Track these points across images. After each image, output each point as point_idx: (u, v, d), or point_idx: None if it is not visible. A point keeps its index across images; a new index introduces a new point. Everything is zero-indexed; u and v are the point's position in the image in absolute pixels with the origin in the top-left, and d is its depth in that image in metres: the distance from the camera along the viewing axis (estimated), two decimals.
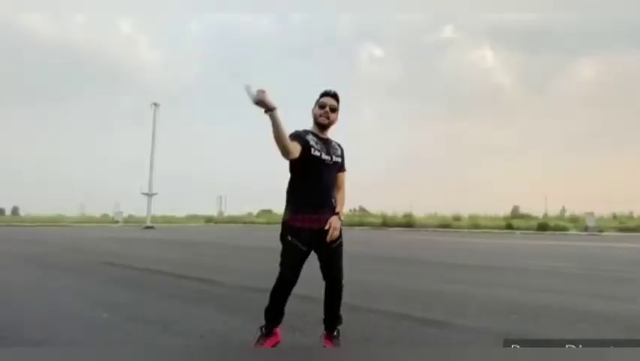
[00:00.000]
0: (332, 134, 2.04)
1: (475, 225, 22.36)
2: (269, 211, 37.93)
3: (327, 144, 1.95)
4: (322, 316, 2.00)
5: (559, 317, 2.74)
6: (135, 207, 33.07)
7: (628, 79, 50.54)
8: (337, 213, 1.93)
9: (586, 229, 18.93)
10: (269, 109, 1.60)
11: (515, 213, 27.07)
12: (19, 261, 5.82)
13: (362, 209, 31.93)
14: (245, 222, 32.59)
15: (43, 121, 58.28)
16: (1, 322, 2.45)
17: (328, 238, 1.83)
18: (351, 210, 31.33)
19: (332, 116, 1.93)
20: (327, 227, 1.84)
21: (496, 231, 19.96)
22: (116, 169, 50.46)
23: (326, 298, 1.95)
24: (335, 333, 1.95)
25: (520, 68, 57.10)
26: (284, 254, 1.87)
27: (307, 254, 1.87)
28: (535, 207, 25.86)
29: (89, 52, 63.04)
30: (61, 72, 61.89)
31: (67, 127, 57.46)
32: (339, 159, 1.98)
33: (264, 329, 1.91)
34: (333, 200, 1.95)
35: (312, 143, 1.86)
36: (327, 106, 1.91)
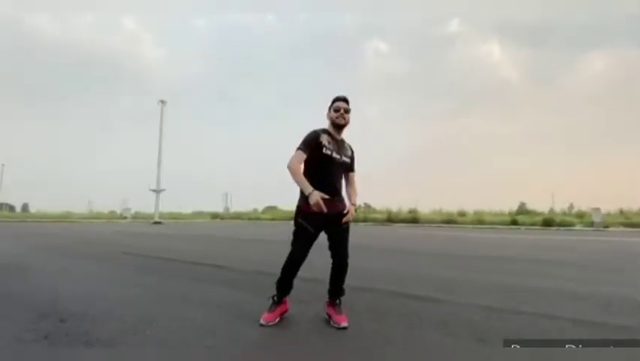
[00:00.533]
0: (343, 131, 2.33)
1: (480, 220, 22.45)
2: (274, 208, 38.35)
3: (339, 144, 2.26)
4: (324, 293, 2.30)
5: (540, 295, 3.00)
6: (142, 203, 33.74)
7: (637, 74, 49.74)
8: (353, 205, 2.29)
9: (592, 224, 18.92)
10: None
11: (521, 209, 26.98)
12: (43, 252, 6.21)
13: (367, 205, 32.14)
14: (250, 218, 33.01)
15: (51, 119, 59.36)
16: (53, 298, 2.79)
17: (343, 220, 2.17)
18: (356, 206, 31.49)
19: (347, 117, 2.24)
20: (345, 211, 2.20)
21: (501, 226, 20.05)
22: (123, 166, 51.25)
23: (333, 273, 2.25)
24: (337, 302, 2.24)
25: (527, 63, 56.53)
26: (295, 234, 2.18)
27: (316, 236, 2.17)
28: (542, 204, 25.76)
29: (94, 51, 63.83)
30: (69, 71, 62.83)
31: (74, 125, 58.45)
32: (348, 160, 2.28)
33: (275, 298, 2.23)
34: (340, 192, 2.26)
35: (324, 143, 2.16)
36: (342, 109, 2.21)
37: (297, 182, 2.11)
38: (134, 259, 5.22)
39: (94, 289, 3.10)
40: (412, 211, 25.15)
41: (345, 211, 2.20)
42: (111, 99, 62.21)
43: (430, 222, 23.23)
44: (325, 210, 2.03)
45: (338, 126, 2.24)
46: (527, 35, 54.94)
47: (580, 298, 2.94)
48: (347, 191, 2.35)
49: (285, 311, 2.27)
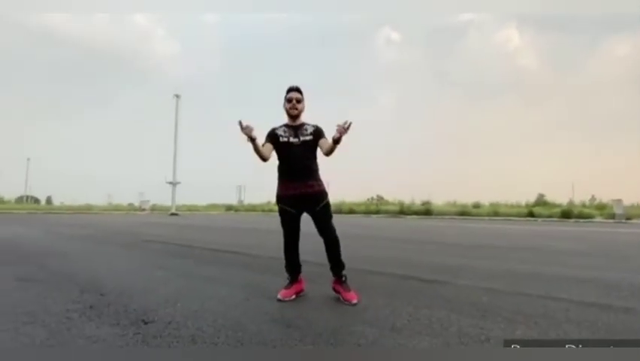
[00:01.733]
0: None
1: (496, 212, 22.16)
2: None
3: (297, 129, 2.42)
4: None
5: (546, 280, 3.09)
6: (159, 196, 34.72)
7: None
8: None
9: (613, 216, 18.40)
10: (250, 139, 2.22)
11: (540, 202, 26.38)
12: (74, 240, 6.64)
13: (379, 197, 32.12)
14: (264, 210, 33.53)
15: (70, 116, 61.37)
16: (91, 277, 3.09)
17: (336, 132, 2.15)
18: (368, 199, 31.61)
19: (298, 106, 2.42)
20: (316, 190, 2.37)
21: (517, 218, 19.77)
22: (140, 160, 52.69)
23: (327, 250, 2.42)
24: (343, 279, 2.41)
25: (547, 49, 54.44)
26: (280, 218, 2.44)
27: (297, 215, 2.39)
28: (562, 196, 25.01)
29: (108, 47, 65.14)
30: (84, 69, 64.46)
31: (92, 121, 60.17)
32: (308, 138, 2.39)
33: (288, 279, 2.45)
34: (310, 174, 2.40)
35: (280, 133, 2.40)
36: (294, 99, 2.40)
37: (256, 151, 2.31)
38: (157, 246, 5.54)
39: (125, 270, 3.39)
40: (425, 203, 25.01)
41: (313, 191, 2.36)
42: (127, 94, 63.60)
43: (443, 214, 23.09)
44: (244, 125, 2.19)
45: (292, 116, 2.43)
46: (548, 20, 52.87)
47: (585, 281, 3.02)
48: (327, 150, 2.35)
49: (301, 291, 2.47)
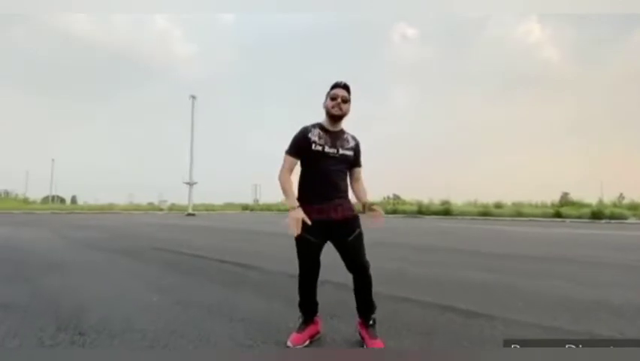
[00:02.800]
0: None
1: (519, 213, 21.10)
2: None
3: (335, 136, 1.92)
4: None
5: (614, 311, 2.52)
6: (178, 195, 35.14)
7: None
8: (365, 204, 2.01)
9: None
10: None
11: (564, 201, 25.00)
12: (81, 246, 6.44)
13: (396, 197, 31.33)
14: (279, 210, 33.36)
15: (93, 116, 63.01)
16: (75, 305, 2.72)
17: (371, 224, 1.91)
18: (384, 198, 30.87)
19: (344, 107, 1.90)
20: (350, 215, 1.90)
21: (543, 219, 18.70)
22: (159, 160, 53.64)
23: (355, 288, 1.94)
24: (371, 322, 1.92)
25: (568, 44, 51.84)
26: (298, 247, 1.91)
27: (320, 245, 1.89)
28: (588, 195, 23.62)
29: (128, 49, 66.48)
30: (106, 70, 66.08)
31: (113, 122, 61.65)
32: (348, 152, 1.93)
33: (300, 318, 1.98)
34: (342, 192, 1.93)
35: (314, 139, 1.87)
36: (339, 97, 1.88)
37: (284, 195, 1.86)
38: (164, 256, 5.21)
39: (119, 293, 3.00)
40: (445, 203, 24.16)
41: (344, 217, 1.87)
42: (147, 95, 64.91)
43: (463, 214, 22.19)
44: (296, 233, 1.77)
45: (333, 117, 1.90)
46: (570, 11, 50.16)
47: None
48: (353, 188, 2.04)
49: (316, 333, 1.99)
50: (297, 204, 1.82)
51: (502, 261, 4.95)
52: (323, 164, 1.87)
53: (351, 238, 1.87)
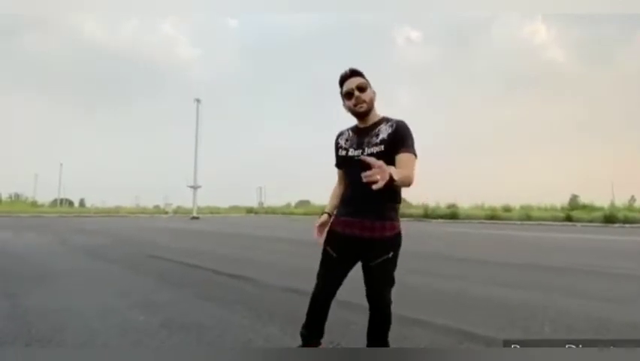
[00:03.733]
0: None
1: (528, 216, 20.60)
2: (307, 202, 38.31)
3: (364, 134, 1.62)
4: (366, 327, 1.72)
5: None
6: (183, 198, 35.20)
7: None
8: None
9: None
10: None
11: (574, 204, 24.41)
12: (78, 254, 6.30)
13: (402, 200, 30.92)
14: (284, 213, 33.19)
15: (101, 120, 63.84)
16: (57, 326, 2.51)
17: (364, 176, 1.18)
18: None
19: (365, 97, 1.59)
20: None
21: (553, 223, 18.21)
22: (164, 163, 54.03)
23: (370, 323, 1.67)
24: None
25: (575, 44, 51.09)
26: (321, 261, 1.72)
27: (341, 262, 1.65)
28: (598, 198, 22.99)
29: (135, 54, 67.32)
30: (114, 75, 66.94)
31: (120, 125, 62.33)
32: (377, 149, 1.54)
33: (302, 338, 1.74)
34: (374, 204, 1.56)
35: (341, 143, 1.70)
36: (354, 89, 1.59)
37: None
38: (160, 265, 5.02)
39: (105, 309, 2.79)
40: (451, 206, 23.76)
41: (371, 236, 1.55)
42: (152, 100, 65.58)
43: (471, 218, 21.75)
44: (317, 236, 1.68)
45: (360, 115, 1.64)
46: (575, 15, 49.53)
47: None
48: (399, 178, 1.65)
49: None
50: (327, 210, 1.73)
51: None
52: (350, 170, 1.63)
53: (374, 264, 1.57)
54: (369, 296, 1.63)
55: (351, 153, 1.61)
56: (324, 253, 1.69)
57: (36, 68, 59.49)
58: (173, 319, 2.59)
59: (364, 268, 1.62)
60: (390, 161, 1.45)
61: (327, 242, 1.67)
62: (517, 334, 2.30)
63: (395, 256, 1.60)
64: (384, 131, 1.58)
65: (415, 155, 1.54)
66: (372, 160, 1.23)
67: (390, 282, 1.62)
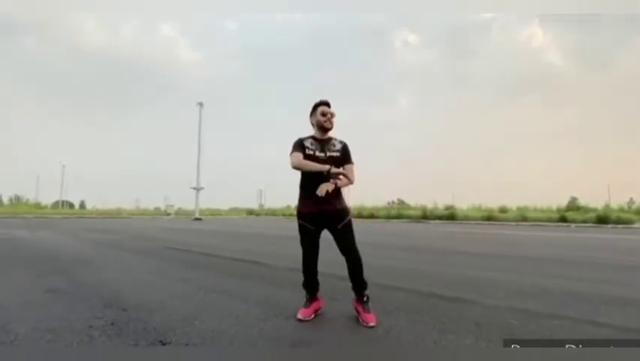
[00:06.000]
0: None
1: (524, 217, 21.17)
2: None
3: (324, 142, 2.35)
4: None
5: (584, 299, 2.85)
6: (184, 199, 35.79)
7: None
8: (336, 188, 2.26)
9: None
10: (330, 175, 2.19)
11: (572, 206, 24.90)
12: (101, 247, 6.89)
13: (400, 201, 31.52)
14: (284, 214, 33.75)
15: (102, 123, 64.54)
16: (114, 289, 3.15)
17: (318, 192, 2.13)
18: (389, 203, 31.10)
19: (333, 121, 2.37)
20: (338, 207, 2.29)
21: (548, 224, 18.78)
22: (166, 165, 54.65)
23: (349, 270, 2.34)
24: (365, 299, 2.30)
25: (572, 48, 51.81)
26: (300, 235, 2.37)
27: (317, 232, 2.32)
28: (596, 199, 23.50)
29: (135, 57, 68.14)
30: (115, 79, 67.73)
31: (121, 128, 63.00)
32: (336, 154, 2.33)
33: (306, 296, 2.40)
34: (334, 191, 2.26)
35: (307, 145, 2.31)
36: (329, 113, 2.34)
37: (311, 168, 2.22)
38: (178, 254, 5.64)
39: (147, 282, 3.43)
40: (449, 208, 24.35)
41: (334, 209, 2.27)
42: (154, 102, 66.36)
43: (468, 219, 22.33)
44: (323, 193, 2.13)
45: (324, 129, 2.35)
46: (573, 15, 50.30)
47: (630, 304, 2.76)
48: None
49: (319, 308, 2.40)
50: (328, 167, 2.20)
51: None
52: None
53: (340, 227, 2.29)
54: (344, 251, 2.31)
55: (318, 154, 2.29)
56: (304, 230, 2.33)
57: (37, 70, 60.44)
58: (206, 286, 3.23)
59: (334, 232, 2.31)
60: (341, 163, 2.31)
61: (304, 220, 2.31)
62: (473, 295, 2.91)
63: (350, 220, 2.34)
64: (338, 144, 2.39)
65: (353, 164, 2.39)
66: (340, 171, 2.21)
67: (354, 237, 2.33)
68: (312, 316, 2.31)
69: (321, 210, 2.26)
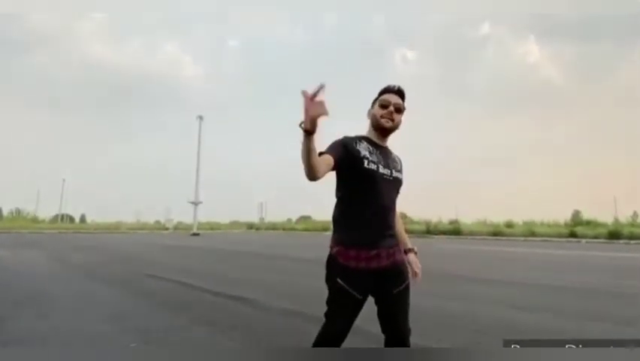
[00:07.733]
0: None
1: (532, 232, 20.38)
2: (308, 218, 38.22)
3: (385, 154, 1.50)
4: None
5: None
6: (184, 213, 35.15)
7: None
8: (412, 250, 1.56)
9: None
10: (309, 129, 1.13)
11: (577, 219, 24.17)
12: (70, 273, 6.24)
13: (403, 215, 30.78)
14: (285, 229, 32.99)
15: (103, 137, 64.76)
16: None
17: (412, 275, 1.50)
18: None
19: (397, 117, 1.47)
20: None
21: (557, 239, 17.98)
22: (166, 179, 54.30)
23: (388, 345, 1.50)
24: None
25: (570, 61, 52.02)
26: (332, 302, 1.40)
27: (362, 303, 1.39)
28: (600, 213, 22.79)
29: (139, 73, 68.91)
30: (118, 93, 68.31)
31: (124, 142, 63.06)
32: (400, 175, 1.51)
33: None
34: (393, 229, 1.47)
35: (364, 153, 1.40)
36: (392, 105, 1.46)
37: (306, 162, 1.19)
38: (154, 285, 4.98)
39: (87, 339, 2.73)
40: (453, 222, 23.60)
41: (395, 261, 1.42)
42: (154, 117, 66.67)
43: (473, 234, 21.54)
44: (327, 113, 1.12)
45: (383, 130, 1.48)
46: (569, 30, 50.66)
47: None
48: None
49: None
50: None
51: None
52: (377, 189, 1.41)
53: (396, 291, 1.42)
54: (395, 327, 1.44)
55: (382, 170, 1.43)
56: (345, 294, 1.35)
57: (38, 84, 60.83)
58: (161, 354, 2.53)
59: (384, 299, 1.43)
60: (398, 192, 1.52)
61: (347, 282, 1.35)
62: None
63: (409, 281, 1.48)
64: (399, 162, 1.57)
65: None
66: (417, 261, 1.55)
67: (408, 309, 1.47)
68: None
69: (386, 265, 1.39)
